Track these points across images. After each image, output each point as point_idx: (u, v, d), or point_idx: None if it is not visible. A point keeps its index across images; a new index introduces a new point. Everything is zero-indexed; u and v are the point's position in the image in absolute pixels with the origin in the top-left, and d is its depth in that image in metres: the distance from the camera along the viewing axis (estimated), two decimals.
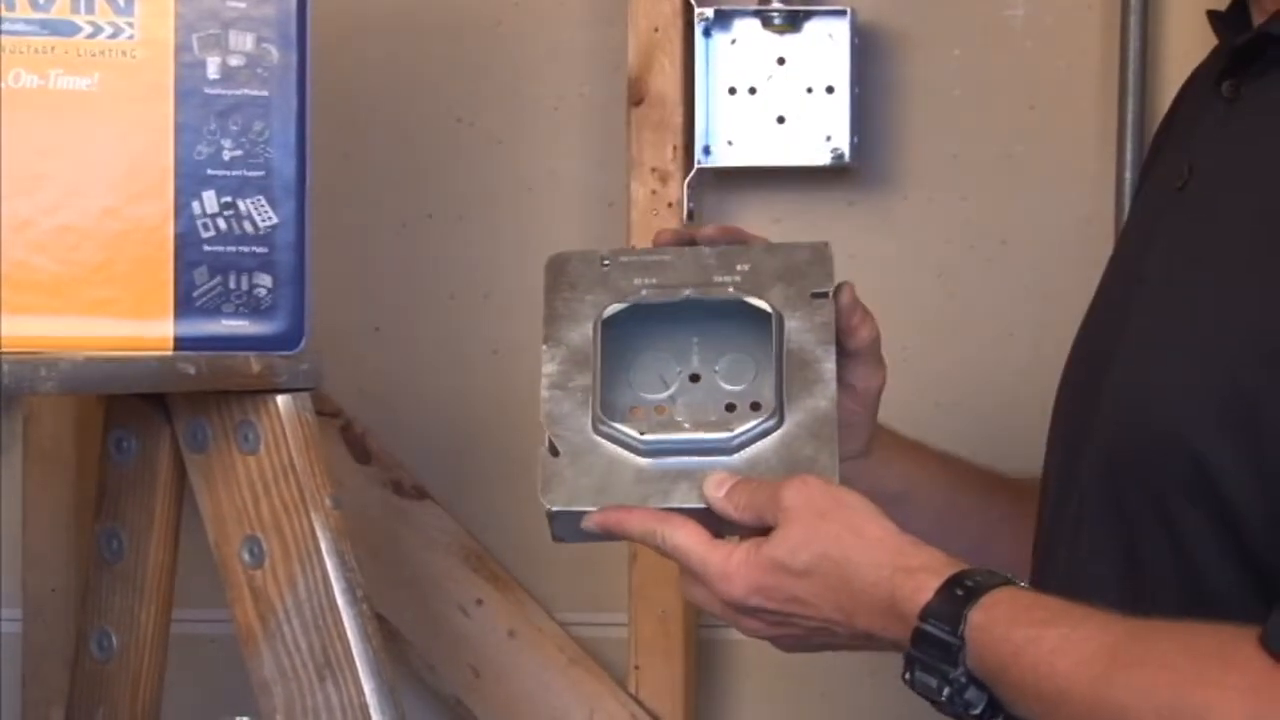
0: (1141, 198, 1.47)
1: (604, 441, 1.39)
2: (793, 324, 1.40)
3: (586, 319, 1.43)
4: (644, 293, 1.43)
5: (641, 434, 1.39)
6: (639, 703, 1.93)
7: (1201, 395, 1.24)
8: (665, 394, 1.44)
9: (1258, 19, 1.35)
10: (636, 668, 1.92)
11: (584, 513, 1.39)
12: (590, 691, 1.94)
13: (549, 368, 1.42)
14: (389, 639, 1.78)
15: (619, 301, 1.43)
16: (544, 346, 1.43)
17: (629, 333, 1.43)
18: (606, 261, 1.45)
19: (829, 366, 1.39)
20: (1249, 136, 1.31)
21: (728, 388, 1.43)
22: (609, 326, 1.42)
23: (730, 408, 1.42)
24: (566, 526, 1.40)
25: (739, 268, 1.43)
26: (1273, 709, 1.13)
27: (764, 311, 1.40)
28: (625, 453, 1.39)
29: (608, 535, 1.39)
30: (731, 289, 1.42)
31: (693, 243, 1.48)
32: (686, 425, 1.41)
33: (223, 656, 1.56)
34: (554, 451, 1.40)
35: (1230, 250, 1.27)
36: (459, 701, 1.96)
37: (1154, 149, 1.52)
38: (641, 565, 1.89)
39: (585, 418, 1.40)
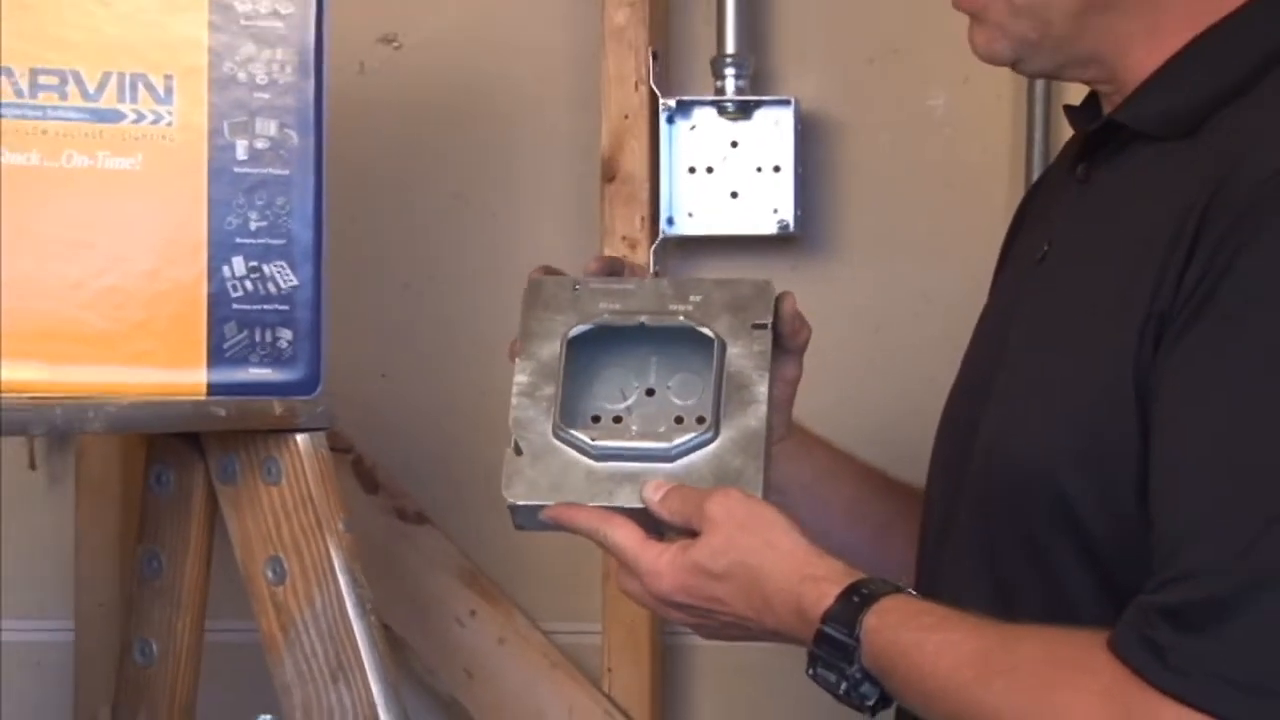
0: (1006, 271, 1.47)
1: (562, 445, 1.39)
2: (734, 350, 1.40)
3: (556, 337, 1.42)
4: (606, 316, 1.42)
5: (593, 440, 1.38)
6: (612, 701, 1.92)
7: (1060, 439, 1.25)
8: (624, 404, 1.44)
9: (1107, 110, 1.36)
10: (609, 670, 1.92)
11: (540, 506, 1.38)
12: (569, 691, 1.94)
13: (520, 378, 1.41)
14: (394, 646, 1.78)
15: (584, 323, 1.42)
16: (517, 359, 1.42)
17: (596, 349, 1.43)
18: (578, 287, 1.44)
19: (762, 390, 1.38)
20: (1098, 214, 1.32)
21: (678, 402, 1.43)
22: (579, 344, 1.42)
23: (679, 420, 1.42)
24: (526, 517, 1.39)
25: (692, 298, 1.42)
26: (1123, 706, 1.14)
27: (710, 338, 1.40)
28: (579, 456, 1.38)
29: (560, 527, 1.39)
30: (683, 317, 1.41)
31: (616, 272, 1.48)
32: (634, 434, 1.41)
33: (249, 662, 1.56)
34: (518, 451, 1.39)
35: (1080, 314, 1.27)
36: (455, 700, 1.96)
37: (1011, 230, 1.53)
38: (614, 582, 1.89)
39: (548, 423, 1.39)
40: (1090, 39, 1.32)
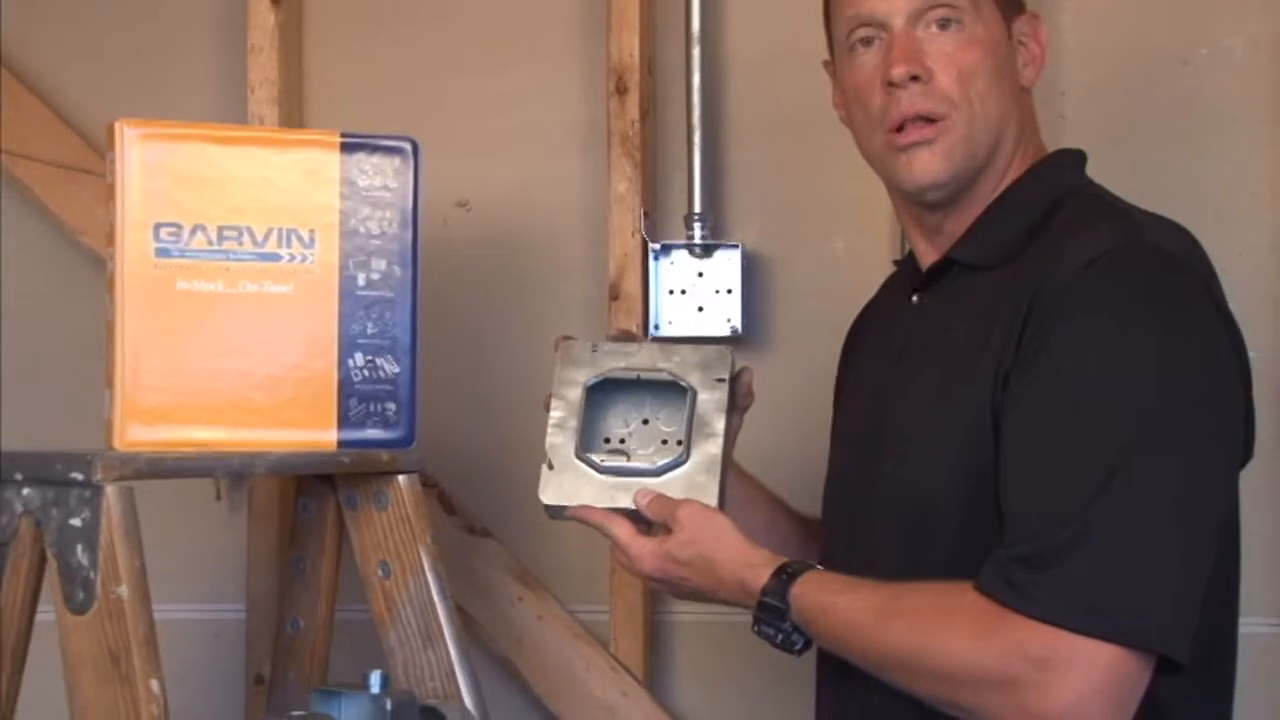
0: (858, 375, 1.48)
1: (580, 463, 1.39)
2: (702, 397, 1.40)
3: (578, 384, 1.42)
4: (614, 371, 1.43)
5: (602, 460, 1.39)
6: (617, 660, 1.91)
7: (945, 467, 1.27)
8: (627, 430, 1.44)
9: (928, 257, 1.37)
10: (615, 639, 1.91)
11: (565, 506, 1.39)
12: (587, 653, 1.92)
13: (554, 415, 1.42)
14: (466, 622, 1.77)
15: (598, 375, 1.43)
16: (552, 400, 1.43)
17: (609, 392, 1.43)
18: (596, 348, 1.45)
19: (720, 426, 1.39)
20: (932, 325, 1.34)
21: (665, 429, 1.43)
22: (596, 389, 1.42)
23: (664, 442, 1.42)
24: (555, 513, 1.41)
25: (675, 359, 1.43)
26: (988, 627, 1.15)
27: (686, 387, 1.41)
28: (592, 471, 1.39)
29: (579, 521, 1.40)
30: (668, 372, 1.42)
31: (630, 337, 1.49)
32: (631, 457, 1.41)
33: (365, 633, 1.55)
34: (550, 466, 1.40)
35: (931, 389, 1.30)
36: (508, 659, 1.95)
37: (845, 353, 1.55)
38: (618, 576, 1.88)
39: (572, 447, 1.40)
40: (982, 171, 1.33)
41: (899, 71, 1.30)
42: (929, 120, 1.31)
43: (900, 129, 1.31)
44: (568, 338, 1.46)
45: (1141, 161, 1.79)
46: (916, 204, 1.37)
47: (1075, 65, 1.85)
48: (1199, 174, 1.83)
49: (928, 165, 1.31)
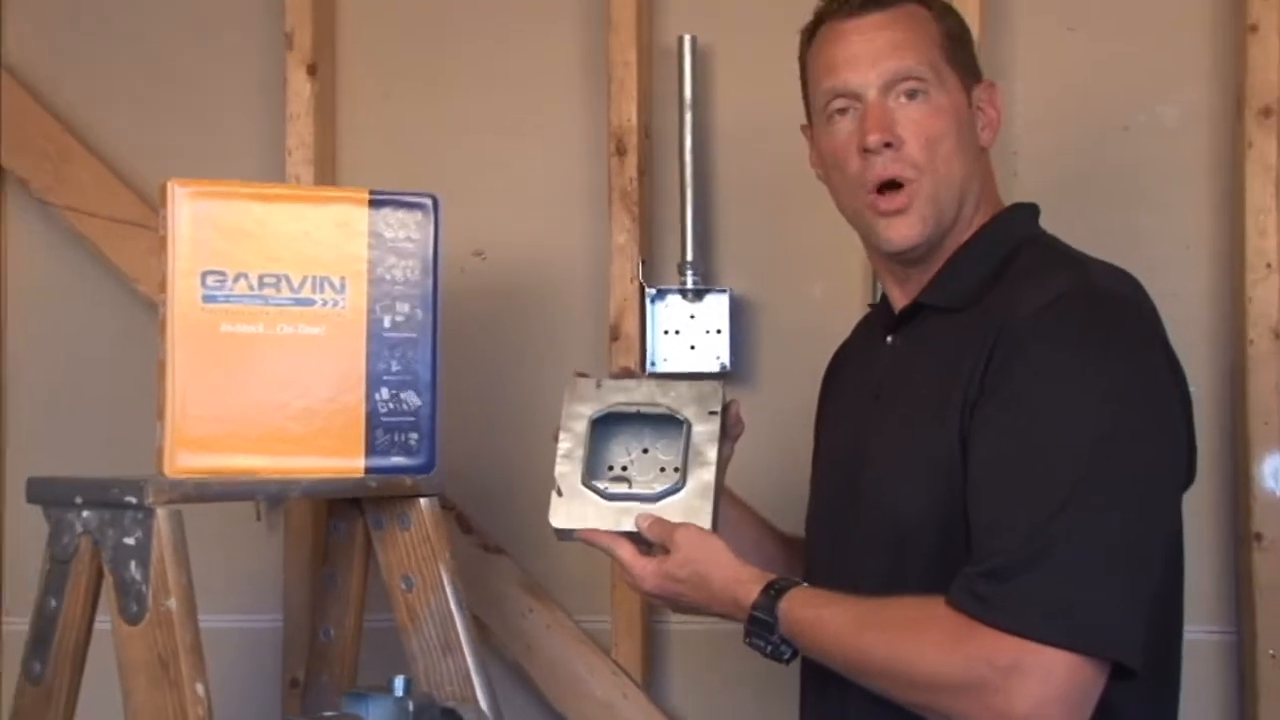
0: (837, 411, 1.47)
1: (586, 490, 1.39)
2: (697, 428, 1.39)
3: (585, 418, 1.42)
4: (617, 405, 1.42)
5: (606, 488, 1.38)
6: (617, 664, 1.90)
7: (922, 492, 1.26)
8: (628, 459, 1.43)
9: (900, 301, 1.37)
10: (616, 645, 1.90)
11: (573, 530, 1.38)
12: (591, 659, 1.91)
13: (562, 446, 1.41)
14: (481, 631, 1.77)
15: (602, 409, 1.42)
16: (560, 433, 1.42)
17: (612, 424, 1.43)
18: (600, 385, 1.44)
19: (713, 455, 1.38)
20: (905, 364, 1.34)
21: (663, 458, 1.42)
22: (600, 422, 1.42)
23: (663, 469, 1.42)
24: (564, 536, 1.40)
25: (672, 394, 1.42)
26: (960, 642, 1.15)
27: (681, 419, 1.40)
28: (597, 497, 1.38)
29: (586, 543, 1.39)
30: (665, 406, 1.41)
31: (630, 374, 1.48)
32: (632, 484, 1.40)
33: (390, 642, 1.54)
34: (559, 494, 1.39)
35: (904, 426, 1.29)
36: (520, 665, 1.93)
37: (824, 390, 1.54)
38: (619, 589, 1.87)
39: (578, 476, 1.39)
40: (948, 229, 1.33)
41: (874, 139, 1.31)
42: (898, 185, 1.32)
43: (880, 191, 1.33)
44: (582, 374, 1.46)
45: (1086, 215, 1.79)
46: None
47: (1026, 129, 1.86)
48: (1138, 227, 1.84)
49: (903, 232, 1.32)
